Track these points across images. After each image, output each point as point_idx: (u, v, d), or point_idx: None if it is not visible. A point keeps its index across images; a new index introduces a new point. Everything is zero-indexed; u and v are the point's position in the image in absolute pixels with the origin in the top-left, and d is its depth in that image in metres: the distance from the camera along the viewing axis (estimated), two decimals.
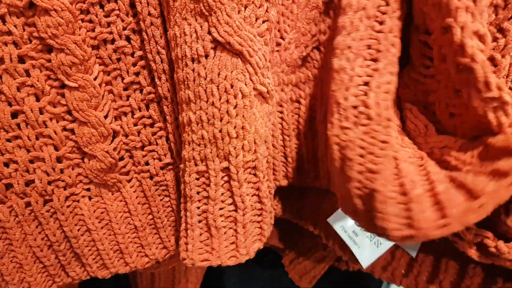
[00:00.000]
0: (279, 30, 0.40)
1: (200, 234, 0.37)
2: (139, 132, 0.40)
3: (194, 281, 0.59)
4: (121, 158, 0.40)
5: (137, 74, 0.38)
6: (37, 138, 0.37)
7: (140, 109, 0.39)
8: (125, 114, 0.39)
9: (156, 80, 0.37)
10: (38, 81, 0.36)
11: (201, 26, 0.32)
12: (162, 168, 0.41)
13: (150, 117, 0.39)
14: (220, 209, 0.36)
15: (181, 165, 0.38)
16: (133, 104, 0.39)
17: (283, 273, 0.66)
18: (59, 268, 0.42)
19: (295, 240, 0.61)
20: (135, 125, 0.39)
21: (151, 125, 0.40)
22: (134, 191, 0.42)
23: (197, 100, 0.34)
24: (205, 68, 0.33)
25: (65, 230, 0.40)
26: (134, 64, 0.38)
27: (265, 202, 0.36)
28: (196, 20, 0.32)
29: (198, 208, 0.37)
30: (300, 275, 0.64)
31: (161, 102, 0.39)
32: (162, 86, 0.37)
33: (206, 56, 0.33)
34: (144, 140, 0.40)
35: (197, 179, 0.36)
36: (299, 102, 0.42)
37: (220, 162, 0.35)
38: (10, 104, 0.36)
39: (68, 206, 0.40)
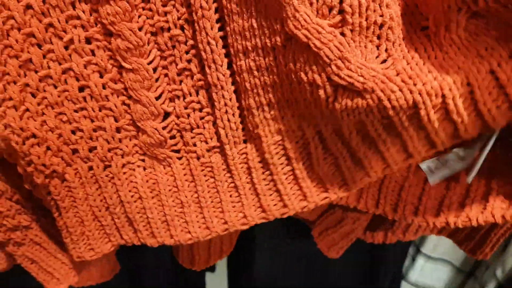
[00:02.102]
0: (422, 13, 0.38)
1: (312, 181, 0.44)
2: (188, 115, 0.42)
3: (227, 244, 0.63)
4: (174, 137, 0.43)
5: (189, 61, 0.40)
6: (100, 110, 0.42)
7: (190, 94, 0.42)
8: (178, 97, 0.42)
9: (206, 68, 0.39)
10: (101, 60, 0.40)
11: (275, 20, 0.36)
12: (208, 151, 0.44)
13: (199, 102, 0.42)
14: (324, 159, 0.43)
15: (271, 139, 0.42)
16: (185, 89, 0.41)
17: (308, 244, 0.68)
18: (114, 229, 0.47)
19: (327, 213, 0.63)
20: (186, 108, 0.42)
21: (200, 110, 0.42)
22: (183, 169, 0.45)
23: (282, 83, 0.39)
24: (283, 57, 0.37)
25: (120, 194, 0.45)
26: (187, 52, 0.40)
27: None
28: (270, 14, 0.36)
29: (303, 164, 0.44)
30: (328, 246, 0.67)
31: (209, 89, 0.41)
32: (211, 74, 0.39)
33: (284, 47, 0.36)
34: (192, 123, 0.42)
35: (297, 142, 0.42)
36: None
37: (314, 128, 0.42)
38: (77, 80, 0.41)
39: (124, 173, 0.44)
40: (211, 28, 0.38)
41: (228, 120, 0.42)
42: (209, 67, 0.39)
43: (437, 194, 0.50)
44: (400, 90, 0.35)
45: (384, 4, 0.34)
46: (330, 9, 0.34)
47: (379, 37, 0.36)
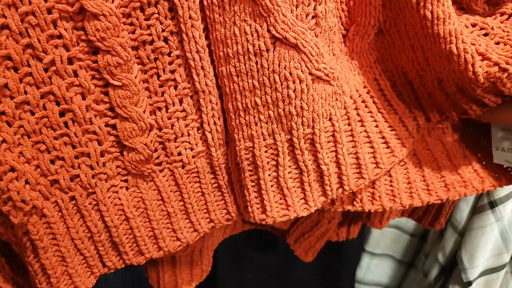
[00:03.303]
0: (342, 24, 0.46)
1: (274, 196, 0.44)
2: (172, 125, 0.43)
3: (206, 263, 0.64)
4: (156, 150, 0.44)
5: (172, 71, 0.42)
6: (83, 134, 0.40)
7: (173, 104, 0.43)
8: (160, 109, 0.43)
9: (194, 76, 0.41)
10: (85, 80, 0.39)
11: (260, 26, 0.38)
12: (193, 157, 0.45)
13: (183, 110, 0.43)
14: (289, 173, 0.44)
15: (243, 144, 0.44)
16: (168, 99, 0.42)
17: (273, 256, 0.72)
18: (97, 259, 0.45)
19: (301, 218, 0.67)
20: (169, 118, 0.43)
21: (184, 118, 0.44)
22: (167, 180, 0.45)
23: (261, 87, 0.41)
24: (267, 61, 0.40)
25: (106, 220, 0.43)
26: (171, 63, 0.41)
27: (323, 168, 0.44)
28: (255, 21, 0.38)
29: (270, 175, 0.44)
30: (305, 250, 0.70)
31: (194, 96, 0.43)
32: (200, 81, 0.42)
33: (267, 50, 0.39)
34: (177, 132, 0.44)
35: (266, 151, 0.43)
36: (376, 79, 0.49)
37: (285, 135, 0.43)
38: (58, 104, 0.39)
39: (109, 197, 0.43)
40: (199, 37, 0.40)
41: (215, 123, 0.44)
42: (198, 75, 0.42)
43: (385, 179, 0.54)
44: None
45: (330, 13, 0.42)
46: (307, 15, 0.40)
47: (329, 39, 0.44)
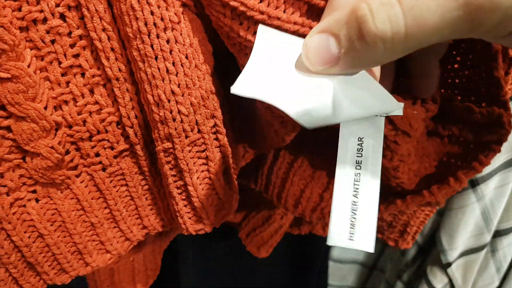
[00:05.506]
0: None
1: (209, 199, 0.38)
2: (84, 121, 0.36)
3: (153, 267, 0.57)
4: (67, 152, 0.36)
5: (76, 56, 0.34)
6: None
7: (83, 96, 0.35)
8: (66, 102, 0.35)
9: (103, 60, 0.34)
10: None
11: None
12: (115, 157, 0.38)
13: (96, 102, 0.36)
14: None
15: (161, 146, 0.36)
16: (75, 91, 0.35)
17: (238, 242, 0.66)
18: (11, 281, 0.38)
19: (253, 212, 0.61)
20: (79, 113, 0.35)
21: (98, 112, 0.36)
22: (86, 186, 0.38)
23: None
24: (181, 34, 0.31)
25: (14, 239, 0.36)
26: (72, 45, 0.33)
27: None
28: None
29: (198, 178, 0.37)
30: (258, 246, 0.64)
31: (107, 85, 0.35)
32: (111, 66, 0.34)
33: (179, 23, 0.31)
34: (91, 129, 0.36)
35: (190, 151, 0.36)
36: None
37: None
38: None
39: (14, 213, 0.35)
40: (105, 12, 0.32)
41: (136, 117, 0.36)
42: (107, 58, 0.34)
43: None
44: None
45: None
46: None
47: None
